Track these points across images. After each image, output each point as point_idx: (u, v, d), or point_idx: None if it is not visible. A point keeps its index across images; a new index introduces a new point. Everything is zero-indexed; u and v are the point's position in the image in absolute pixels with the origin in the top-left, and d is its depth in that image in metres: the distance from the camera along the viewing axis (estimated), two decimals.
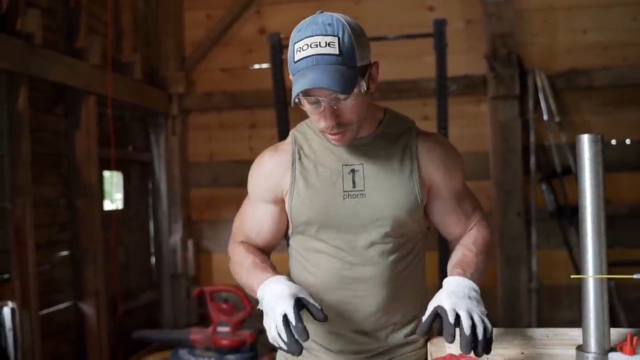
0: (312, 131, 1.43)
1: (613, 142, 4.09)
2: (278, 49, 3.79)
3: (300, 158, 1.40)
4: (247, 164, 5.62)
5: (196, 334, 3.10)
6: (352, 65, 1.22)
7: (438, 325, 1.20)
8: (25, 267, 2.87)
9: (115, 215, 3.95)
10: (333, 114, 1.25)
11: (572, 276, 1.26)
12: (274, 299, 1.20)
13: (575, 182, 3.98)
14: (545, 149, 4.16)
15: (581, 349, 1.22)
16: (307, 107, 1.29)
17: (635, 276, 1.15)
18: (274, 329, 1.16)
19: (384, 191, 1.36)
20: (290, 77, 1.27)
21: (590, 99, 4.14)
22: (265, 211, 1.44)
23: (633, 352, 0.98)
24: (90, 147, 3.48)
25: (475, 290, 1.22)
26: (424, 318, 1.19)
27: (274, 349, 3.76)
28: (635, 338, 1.04)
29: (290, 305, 1.16)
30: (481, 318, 1.15)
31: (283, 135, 3.82)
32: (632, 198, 4.05)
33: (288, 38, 4.54)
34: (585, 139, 1.21)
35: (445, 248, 3.52)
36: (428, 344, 1.43)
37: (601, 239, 1.20)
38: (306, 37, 1.23)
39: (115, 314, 3.70)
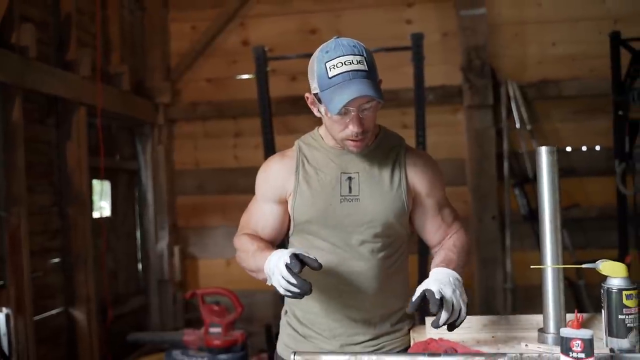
0: (316, 142, 1.63)
1: (583, 148, 4.31)
2: (263, 60, 3.93)
3: (303, 165, 1.59)
4: (232, 171, 5.79)
5: (189, 335, 3.22)
6: (376, 79, 1.45)
7: (418, 315, 1.36)
8: (20, 274, 2.96)
9: (104, 223, 4.05)
10: (360, 122, 1.46)
11: (531, 267, 1.41)
12: (275, 261, 1.39)
13: None
14: (518, 155, 4.37)
15: (542, 330, 1.38)
16: (334, 117, 1.47)
17: (584, 266, 1.32)
18: (282, 280, 1.34)
19: (375, 197, 1.56)
20: (314, 90, 1.47)
21: (560, 108, 4.35)
22: (271, 210, 1.62)
23: (579, 327, 1.14)
24: (80, 157, 3.59)
25: (457, 279, 1.41)
26: (413, 298, 1.36)
27: (262, 350, 3.89)
28: (581, 315, 1.21)
29: (288, 256, 1.35)
30: (459, 300, 1.34)
31: (268, 143, 3.97)
32: (600, 201, 4.26)
33: (272, 50, 4.67)
34: (543, 151, 1.38)
35: (425, 252, 3.68)
36: (410, 331, 1.60)
37: (557, 235, 1.37)
38: (338, 57, 1.43)
39: (105, 319, 3.80)
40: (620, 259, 3.73)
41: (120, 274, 4.29)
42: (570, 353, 1.11)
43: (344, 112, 1.44)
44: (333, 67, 1.42)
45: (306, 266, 1.36)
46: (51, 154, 3.53)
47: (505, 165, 4.32)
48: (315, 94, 1.49)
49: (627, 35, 3.86)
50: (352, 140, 1.50)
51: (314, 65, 1.48)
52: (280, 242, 1.68)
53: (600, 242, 4.21)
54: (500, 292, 4.27)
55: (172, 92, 4.71)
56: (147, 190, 4.59)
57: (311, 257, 1.37)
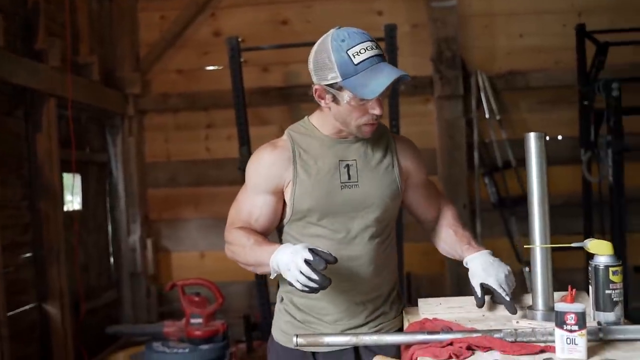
0: (309, 131, 1.64)
1: (547, 138, 4.43)
2: (236, 51, 3.92)
3: (300, 155, 1.61)
4: (204, 163, 5.74)
5: (169, 327, 3.20)
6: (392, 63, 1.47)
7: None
8: None
9: (75, 216, 3.97)
10: (381, 105, 1.52)
11: (525, 246, 1.47)
12: (291, 256, 1.40)
13: (514, 176, 4.36)
14: (487, 145, 4.47)
15: (531, 308, 1.44)
16: (352, 102, 1.50)
17: (573, 245, 1.39)
18: (301, 276, 1.36)
19: (373, 182, 1.61)
20: (331, 80, 1.48)
21: (527, 98, 4.47)
22: (265, 200, 1.62)
23: (572, 301, 1.20)
24: (51, 149, 3.51)
25: (492, 255, 1.58)
26: (477, 292, 1.51)
27: (241, 340, 3.89)
28: (574, 290, 1.27)
29: (307, 252, 1.37)
30: (509, 275, 1.52)
31: (243, 134, 3.97)
32: (566, 189, 4.40)
33: (243, 41, 4.63)
34: (532, 136, 1.43)
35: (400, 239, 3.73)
36: (403, 312, 1.65)
37: (545, 217, 1.43)
38: (358, 44, 1.47)
39: (78, 313, 3.74)
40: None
41: (91, 267, 4.22)
42: (565, 326, 1.17)
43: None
44: (357, 54, 1.45)
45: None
46: (21, 146, 3.44)
47: (475, 154, 4.42)
48: (331, 85, 1.50)
49: (591, 28, 3.99)
50: (370, 124, 1.55)
51: (330, 56, 1.47)
52: (272, 231, 1.68)
53: (566, 228, 4.32)
54: None
55: (142, 83, 4.64)
56: (118, 182, 4.53)
57: (325, 251, 1.39)
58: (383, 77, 1.45)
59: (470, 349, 1.23)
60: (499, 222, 4.40)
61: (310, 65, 1.55)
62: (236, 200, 1.68)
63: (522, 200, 4.24)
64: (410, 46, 4.52)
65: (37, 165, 3.48)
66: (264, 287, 3.89)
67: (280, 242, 1.66)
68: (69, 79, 3.65)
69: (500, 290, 1.49)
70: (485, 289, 1.51)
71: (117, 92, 4.46)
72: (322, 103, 1.57)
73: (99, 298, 4.21)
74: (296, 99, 4.61)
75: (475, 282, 1.54)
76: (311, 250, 1.38)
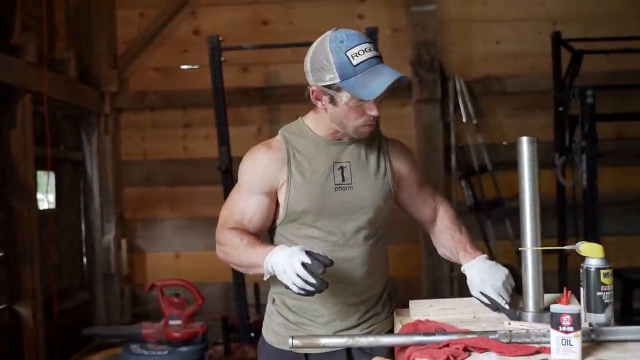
0: (303, 133, 1.64)
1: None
2: (217, 50, 3.90)
3: (294, 156, 1.60)
4: (181, 163, 5.68)
5: (148, 329, 3.15)
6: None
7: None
8: None
9: (48, 215, 3.88)
10: (378, 106, 1.53)
11: (519, 249, 1.49)
12: (287, 259, 1.39)
13: (490, 179, 4.42)
14: (464, 149, 4.53)
15: (522, 309, 1.47)
16: (350, 103, 1.51)
17: (566, 247, 1.41)
18: (297, 279, 1.36)
19: (366, 184, 1.61)
20: (329, 81, 1.49)
21: (504, 103, 4.55)
22: (259, 201, 1.61)
23: (568, 303, 1.23)
24: (26, 146, 3.42)
25: (488, 259, 1.61)
26: (483, 300, 1.55)
27: (218, 342, 3.86)
28: (569, 292, 1.29)
29: (304, 255, 1.37)
30: (507, 280, 1.55)
31: (222, 134, 3.94)
32: (540, 193, 4.47)
33: (223, 41, 4.60)
34: (525, 140, 1.46)
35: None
36: (394, 313, 1.65)
37: (537, 220, 1.46)
38: (357, 45, 1.48)
39: (51, 315, 3.66)
40: (559, 246, 3.95)
41: (64, 268, 4.13)
42: (560, 327, 1.19)
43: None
44: (356, 55, 1.47)
45: None
46: None
47: (453, 158, 4.48)
48: (329, 86, 1.50)
49: (566, 36, 4.08)
50: (368, 125, 1.56)
51: (329, 57, 1.48)
52: (265, 232, 1.67)
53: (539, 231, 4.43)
54: (447, 280, 4.43)
55: (120, 81, 4.57)
56: (93, 181, 4.44)
57: (322, 254, 1.39)
58: (383, 78, 1.46)
59: (467, 350, 1.24)
60: (475, 225, 4.46)
61: (307, 67, 1.55)
62: (228, 201, 1.67)
63: (498, 203, 4.41)
64: (390, 50, 4.54)
65: (11, 162, 3.38)
66: (241, 289, 3.87)
67: (272, 243, 1.65)
68: (45, 75, 3.57)
69: (498, 299, 1.52)
70: (488, 297, 1.55)
71: (93, 89, 4.38)
72: (319, 104, 1.57)
73: (72, 299, 4.12)
74: (276, 99, 4.61)
75: (475, 292, 1.58)
76: (308, 253, 1.37)
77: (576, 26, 4.36)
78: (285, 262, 1.38)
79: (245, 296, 3.90)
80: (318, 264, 1.35)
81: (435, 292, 4.40)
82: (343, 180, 1.59)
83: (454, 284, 4.46)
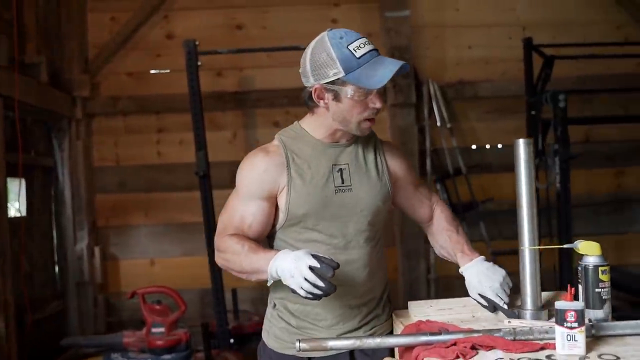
0: (300, 136, 1.65)
1: (500, 146, 4.63)
2: (194, 54, 3.86)
3: (293, 159, 1.60)
4: (156, 168, 5.58)
5: (129, 337, 3.09)
6: None
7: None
8: None
9: (19, 223, 3.77)
10: (382, 99, 1.56)
11: (520, 248, 1.52)
12: (293, 263, 1.39)
13: (465, 182, 4.50)
14: (439, 152, 4.60)
15: (520, 307, 1.50)
16: (355, 97, 1.52)
17: (565, 246, 1.45)
18: (305, 283, 1.36)
19: (365, 186, 1.63)
20: (333, 77, 1.51)
21: (476, 108, 4.64)
22: (258, 206, 1.60)
23: (572, 299, 1.26)
24: None
25: (486, 261, 1.64)
26: (482, 302, 1.58)
27: (198, 350, 3.81)
28: (572, 288, 1.33)
29: (311, 259, 1.37)
30: (503, 281, 1.59)
31: (200, 139, 3.90)
32: (511, 195, 4.53)
33: (199, 45, 4.51)
34: (521, 143, 1.50)
35: None
36: (393, 315, 1.67)
37: (534, 220, 1.49)
38: (355, 40, 1.52)
39: (23, 325, 3.55)
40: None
41: (36, 277, 4.01)
42: (565, 323, 1.22)
43: (367, 91, 1.51)
44: (358, 48, 1.50)
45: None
46: None
47: (428, 161, 4.53)
48: (333, 82, 1.52)
49: (536, 41, 4.19)
50: (370, 119, 1.58)
51: (331, 53, 1.50)
52: (265, 236, 1.66)
53: (512, 232, 4.50)
54: (424, 282, 4.48)
55: (91, 86, 4.48)
56: (65, 188, 4.34)
57: (327, 257, 1.40)
58: (387, 67, 1.49)
59: (474, 348, 1.26)
60: None
61: (307, 67, 1.56)
62: (227, 206, 1.65)
63: (472, 206, 4.49)
64: None
65: None
66: (220, 295, 3.83)
67: (271, 248, 1.65)
68: (17, 79, 3.47)
69: (497, 300, 1.56)
70: (486, 298, 1.58)
71: (65, 94, 4.28)
72: (321, 103, 1.58)
73: (44, 309, 4.01)
74: (251, 104, 4.59)
75: (473, 294, 1.61)
76: (315, 256, 1.38)
77: (545, 32, 4.48)
78: (292, 266, 1.38)
79: (224, 302, 3.86)
80: (327, 267, 1.35)
81: (411, 294, 4.44)
82: (342, 182, 1.61)
83: (430, 286, 4.51)
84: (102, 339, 3.32)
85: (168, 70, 4.57)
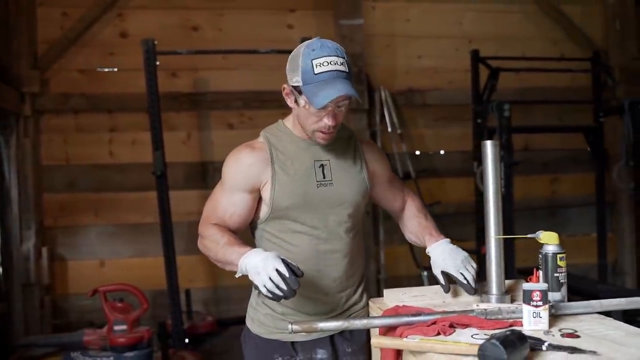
0: (283, 134, 1.74)
1: (442, 152, 4.85)
2: (152, 54, 3.87)
3: (277, 155, 1.70)
4: (107, 168, 5.52)
5: (90, 335, 3.05)
6: (352, 80, 1.60)
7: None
8: None
9: None
10: (335, 117, 1.64)
11: (495, 237, 1.66)
12: (262, 262, 1.47)
13: (414, 187, 4.68)
14: (390, 157, 4.76)
15: (486, 292, 1.64)
16: (312, 110, 1.60)
17: (528, 236, 1.60)
18: (269, 282, 1.44)
19: (345, 181, 1.75)
20: (295, 83, 1.59)
21: (425, 115, 4.85)
22: (241, 199, 1.70)
23: (538, 281, 1.41)
24: None
25: (449, 243, 1.75)
26: (441, 279, 1.72)
27: (165, 347, 3.79)
28: (539, 271, 1.48)
29: (279, 262, 1.46)
30: (466, 259, 1.72)
31: (157, 139, 3.90)
32: (457, 199, 4.82)
33: (158, 45, 4.49)
34: (489, 144, 1.64)
35: None
36: (370, 302, 1.78)
37: (499, 213, 1.64)
38: (324, 56, 1.56)
39: None
40: (477, 249, 4.26)
41: None
42: (531, 302, 1.37)
43: (324, 106, 1.58)
44: (319, 65, 1.57)
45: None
46: None
47: None
48: (295, 87, 1.61)
49: (481, 54, 4.44)
50: (322, 132, 1.66)
51: (298, 60, 1.59)
52: (245, 227, 1.75)
53: (458, 235, 4.70)
54: (374, 282, 4.62)
55: (41, 82, 4.38)
56: (11, 186, 4.22)
57: (294, 264, 1.48)
58: (332, 91, 1.55)
59: (452, 326, 1.39)
60: (398, 231, 4.66)
61: (287, 64, 1.66)
62: (212, 197, 1.75)
63: None
64: None
65: None
66: (176, 295, 3.83)
67: (254, 240, 1.75)
68: None
69: (458, 276, 1.69)
70: (448, 275, 1.71)
71: (12, 89, 4.18)
72: (288, 101, 1.69)
73: None
74: (205, 105, 4.60)
75: (437, 270, 1.74)
76: (283, 261, 1.46)
77: (489, 45, 4.74)
78: (259, 265, 1.47)
79: (179, 302, 3.86)
80: (294, 279, 1.43)
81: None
82: (324, 177, 1.71)
83: (380, 286, 4.66)
84: (61, 338, 3.26)
85: (116, 69, 4.53)
